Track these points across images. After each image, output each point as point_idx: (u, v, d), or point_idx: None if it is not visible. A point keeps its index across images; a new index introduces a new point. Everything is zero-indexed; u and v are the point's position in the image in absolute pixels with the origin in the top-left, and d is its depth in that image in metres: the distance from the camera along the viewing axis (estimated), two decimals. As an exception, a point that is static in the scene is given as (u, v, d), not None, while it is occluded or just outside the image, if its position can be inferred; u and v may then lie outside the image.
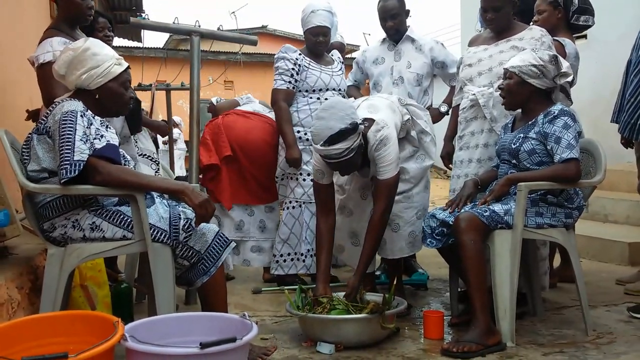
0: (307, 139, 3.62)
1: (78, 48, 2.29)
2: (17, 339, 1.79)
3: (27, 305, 2.48)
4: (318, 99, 3.64)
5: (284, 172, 3.71)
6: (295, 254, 3.66)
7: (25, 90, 4.30)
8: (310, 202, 3.60)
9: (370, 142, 2.74)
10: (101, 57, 2.29)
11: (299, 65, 3.64)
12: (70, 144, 2.11)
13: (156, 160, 3.32)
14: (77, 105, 2.21)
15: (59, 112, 2.18)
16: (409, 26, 3.75)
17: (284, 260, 3.67)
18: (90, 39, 2.38)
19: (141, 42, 7.74)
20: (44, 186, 2.20)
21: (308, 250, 3.62)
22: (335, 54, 3.93)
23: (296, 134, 3.64)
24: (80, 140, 2.13)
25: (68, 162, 2.09)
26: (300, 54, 3.67)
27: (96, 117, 2.29)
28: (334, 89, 3.68)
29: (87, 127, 2.19)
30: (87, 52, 2.27)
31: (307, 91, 3.65)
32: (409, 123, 2.99)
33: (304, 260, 3.63)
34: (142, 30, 6.99)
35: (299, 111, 3.65)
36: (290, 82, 3.63)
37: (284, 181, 3.74)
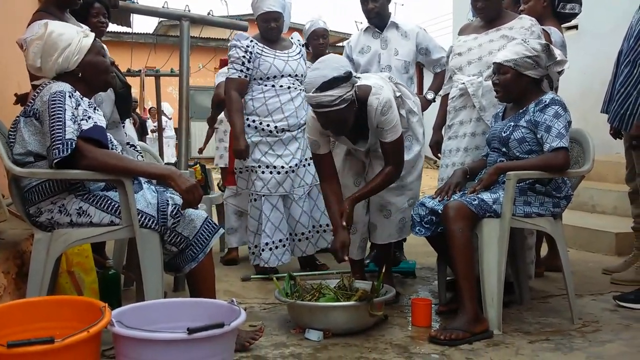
0: (263, 129, 3.56)
1: (42, 35, 2.24)
2: (3, 324, 1.78)
3: (13, 290, 2.47)
4: (273, 86, 3.56)
5: (241, 166, 3.65)
6: (256, 246, 3.62)
7: (14, 75, 4.26)
8: (270, 195, 3.57)
9: (373, 106, 2.71)
10: (68, 35, 2.26)
11: (251, 52, 3.53)
12: (61, 123, 2.08)
13: (140, 151, 3.30)
14: (65, 86, 2.19)
15: (46, 94, 2.15)
16: (390, 13, 3.68)
17: (261, 250, 3.63)
18: (49, 21, 2.33)
19: (130, 27, 7.66)
20: (31, 170, 2.18)
21: (267, 244, 3.55)
22: (295, 37, 3.81)
23: (251, 123, 3.57)
24: (70, 120, 2.11)
25: (60, 142, 2.07)
26: (252, 41, 3.56)
27: (84, 99, 2.27)
28: (289, 75, 3.59)
29: (75, 108, 2.16)
30: (53, 34, 2.23)
31: (261, 79, 3.57)
32: (399, 100, 2.98)
33: (260, 254, 3.55)
34: (132, 15, 6.93)
35: (254, 100, 3.58)
36: (242, 70, 3.54)
37: (244, 174, 3.68)
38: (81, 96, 2.25)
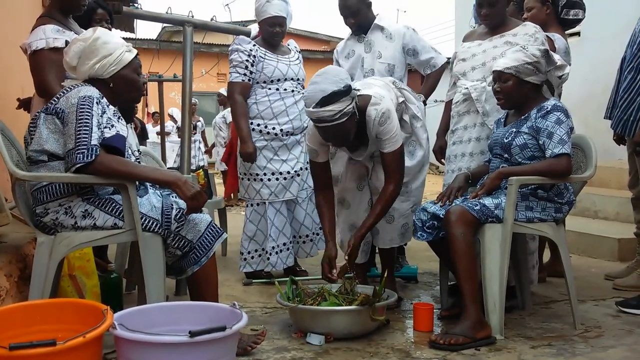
0: (268, 132, 3.55)
1: (88, 38, 2.29)
2: (5, 326, 1.79)
3: (15, 293, 2.47)
4: (277, 89, 3.56)
5: (246, 172, 3.62)
6: (263, 249, 3.60)
7: (17, 79, 4.27)
8: (275, 201, 3.57)
9: (372, 116, 2.72)
10: (112, 45, 2.30)
11: (254, 56, 3.53)
12: (88, 128, 2.11)
13: (138, 157, 3.31)
14: (94, 92, 2.22)
15: (75, 96, 2.18)
16: (377, 14, 3.56)
17: (252, 257, 3.63)
18: (99, 28, 2.38)
19: (134, 32, 7.70)
20: (33, 174, 2.19)
21: (273, 248, 3.54)
22: (292, 44, 3.82)
23: (256, 127, 3.55)
24: (96, 126, 2.14)
25: (85, 147, 2.09)
26: (254, 45, 3.56)
27: (110, 106, 2.29)
28: (292, 79, 3.60)
29: (100, 116, 2.19)
30: (98, 41, 2.28)
31: (265, 82, 3.56)
32: (402, 106, 2.98)
33: (268, 258, 3.55)
34: (135, 21, 6.96)
35: (258, 103, 3.56)
36: (245, 74, 3.53)
37: (245, 182, 3.64)
38: (107, 104, 2.28)
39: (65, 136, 2.16)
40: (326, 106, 2.57)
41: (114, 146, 2.20)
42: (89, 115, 2.13)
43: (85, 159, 2.09)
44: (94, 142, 2.11)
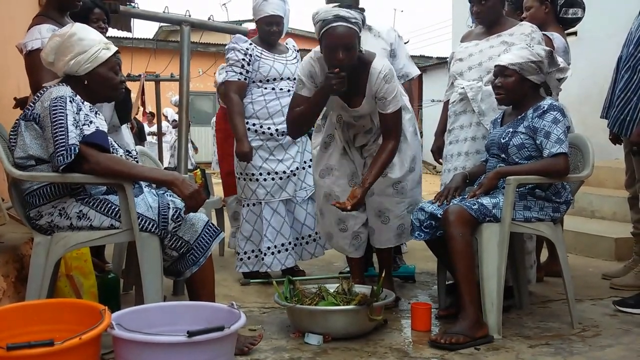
0: (263, 132, 3.54)
1: (64, 34, 2.26)
2: (2, 327, 1.78)
3: (13, 293, 2.47)
4: (273, 89, 3.55)
5: (242, 172, 3.61)
6: (260, 251, 3.59)
7: (13, 79, 4.27)
8: (272, 201, 3.56)
9: (377, 69, 2.80)
10: (88, 42, 2.26)
11: (251, 55, 3.52)
12: (63, 129, 2.09)
13: (135, 157, 3.30)
14: (66, 91, 2.19)
15: (47, 99, 2.16)
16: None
17: (248, 258, 3.62)
18: (77, 24, 2.34)
19: (131, 32, 7.69)
20: (31, 174, 2.18)
21: (268, 248, 3.53)
22: (290, 43, 3.81)
23: (252, 126, 3.54)
24: (72, 125, 2.12)
25: (63, 148, 2.07)
26: (251, 44, 3.55)
27: (85, 103, 2.27)
28: (288, 78, 3.58)
29: (76, 113, 2.17)
30: (74, 37, 2.24)
31: (260, 81, 3.55)
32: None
33: (262, 259, 3.54)
34: (132, 20, 6.96)
35: (254, 102, 3.55)
36: (241, 73, 3.52)
37: (241, 182, 3.64)
38: (82, 100, 2.26)
39: (46, 141, 2.15)
40: (348, 8, 2.68)
41: (96, 143, 2.18)
42: (62, 115, 2.11)
43: (65, 160, 2.06)
44: (72, 141, 2.08)
